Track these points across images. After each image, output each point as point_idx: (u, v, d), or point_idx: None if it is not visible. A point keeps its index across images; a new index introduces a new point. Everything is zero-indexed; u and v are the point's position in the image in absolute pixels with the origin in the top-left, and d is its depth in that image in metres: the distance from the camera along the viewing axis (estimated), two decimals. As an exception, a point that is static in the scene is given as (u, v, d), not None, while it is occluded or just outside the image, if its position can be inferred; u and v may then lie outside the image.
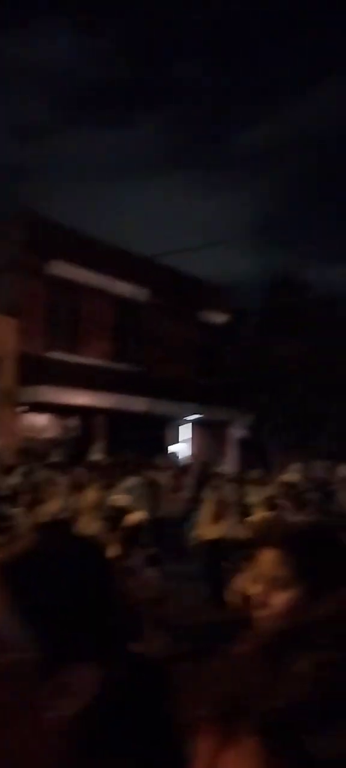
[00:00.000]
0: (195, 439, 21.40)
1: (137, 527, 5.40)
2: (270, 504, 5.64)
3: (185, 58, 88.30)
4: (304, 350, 19.66)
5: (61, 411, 17.80)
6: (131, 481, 10.82)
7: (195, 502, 13.14)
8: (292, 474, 6.01)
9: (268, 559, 1.62)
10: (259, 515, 5.78)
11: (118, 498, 6.59)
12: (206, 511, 9.70)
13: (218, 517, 9.09)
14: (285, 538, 1.68)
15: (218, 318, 22.43)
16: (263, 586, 1.62)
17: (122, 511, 5.54)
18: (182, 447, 21.05)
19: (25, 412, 17.13)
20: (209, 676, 0.70)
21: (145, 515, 5.90)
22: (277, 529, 1.79)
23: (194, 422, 21.26)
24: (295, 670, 0.62)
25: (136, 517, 5.56)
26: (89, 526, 7.02)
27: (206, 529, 9.51)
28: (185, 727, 0.86)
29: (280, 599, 1.60)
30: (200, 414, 20.66)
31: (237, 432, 21.39)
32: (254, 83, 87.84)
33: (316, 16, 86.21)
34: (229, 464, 18.70)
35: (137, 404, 18.54)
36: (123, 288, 19.63)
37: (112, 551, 4.94)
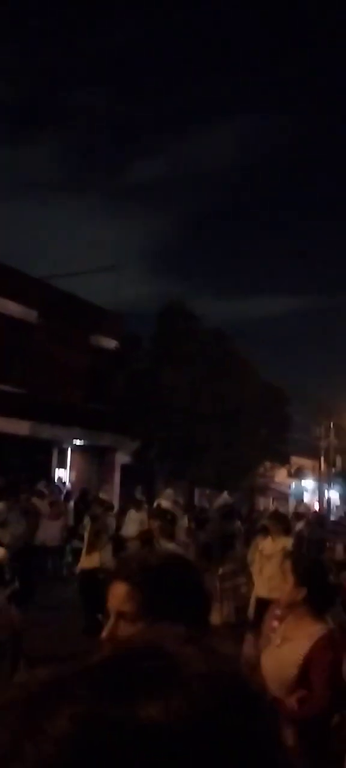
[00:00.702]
0: (80, 464, 21.17)
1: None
2: (144, 535, 5.71)
3: (87, 84, 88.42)
4: (192, 379, 20.13)
5: None
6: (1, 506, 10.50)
7: (74, 529, 12.99)
8: (164, 501, 6.13)
9: (117, 593, 1.62)
10: (132, 546, 5.83)
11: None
12: (85, 539, 9.62)
13: (94, 546, 9.05)
14: (131, 572, 1.68)
15: (109, 343, 22.45)
16: (113, 620, 1.62)
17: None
18: (67, 472, 20.74)
19: None
20: None
21: (4, 553, 5.73)
22: (126, 564, 1.79)
23: (80, 447, 21.04)
24: (49, 726, 0.51)
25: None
26: None
27: (83, 558, 9.43)
28: None
29: (127, 634, 1.55)
30: (86, 439, 20.49)
31: (123, 458, 21.42)
32: (156, 116, 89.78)
33: (219, 56, 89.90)
34: (112, 491, 18.68)
35: (21, 427, 18.06)
36: (11, 308, 19.12)
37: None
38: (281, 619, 4.00)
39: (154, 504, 6.53)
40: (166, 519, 5.34)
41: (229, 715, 0.60)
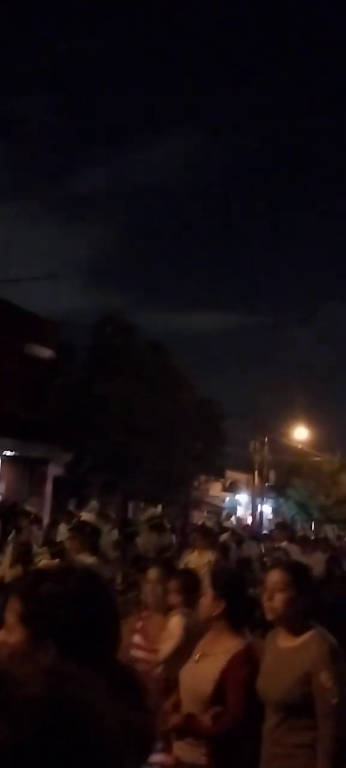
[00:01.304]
0: (10, 475, 20.59)
1: None
2: (56, 549, 5.53)
3: (29, 92, 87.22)
4: (126, 391, 20.01)
5: None
6: None
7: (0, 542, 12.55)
8: (86, 514, 6.00)
9: (11, 606, 1.72)
10: (43, 561, 5.64)
11: None
12: (10, 553, 9.29)
13: (17, 560, 8.73)
14: (15, 585, 1.82)
15: (44, 352, 22.02)
16: (5, 630, 1.71)
17: None
18: (-3, 483, 20.11)
19: None
20: None
21: None
22: (19, 577, 1.96)
23: (11, 458, 20.47)
24: None
25: None
26: None
27: (7, 572, 9.10)
28: None
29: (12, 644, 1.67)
30: (18, 450, 19.96)
31: (55, 470, 21.00)
32: (99, 127, 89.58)
33: (166, 71, 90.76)
34: (44, 503, 18.25)
35: None
36: None
37: None
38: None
39: (78, 517, 6.39)
40: (86, 532, 5.18)
41: (54, 737, 0.63)
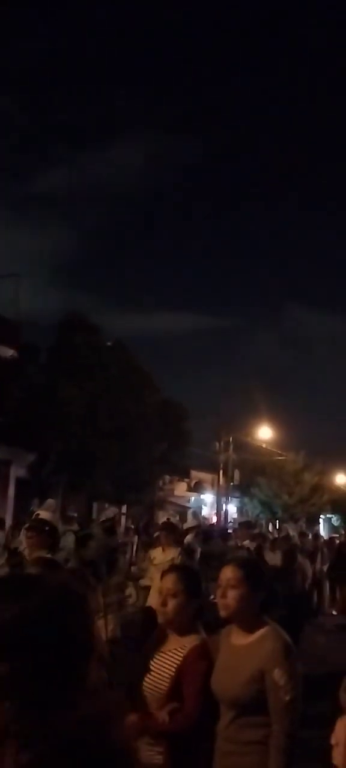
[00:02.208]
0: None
1: None
2: (10, 553, 5.42)
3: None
4: (90, 392, 19.86)
5: None
6: None
7: None
8: (43, 512, 5.88)
9: None
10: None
11: None
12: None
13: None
14: None
15: (6, 352, 21.69)
16: None
17: None
18: None
19: None
20: None
21: None
22: None
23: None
24: None
25: None
26: None
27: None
28: None
29: None
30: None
31: (18, 471, 20.72)
32: (62, 126, 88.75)
33: (128, 71, 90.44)
34: (6, 505, 17.96)
35: None
36: None
37: None
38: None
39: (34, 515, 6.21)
40: (45, 530, 5.09)
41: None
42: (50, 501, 8.95)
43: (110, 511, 9.77)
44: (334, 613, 15.28)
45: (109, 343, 22.53)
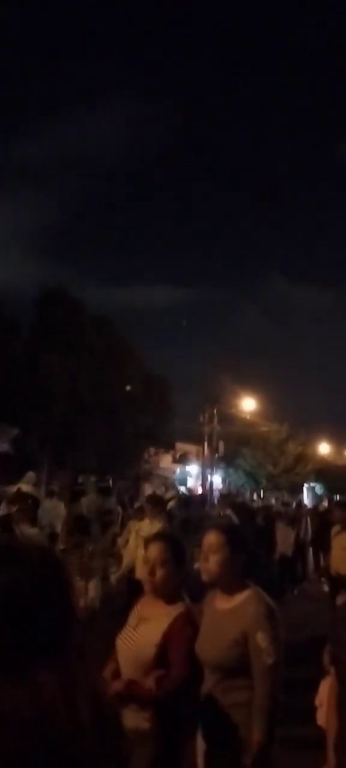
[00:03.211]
0: None
1: None
2: (2, 520, 5.39)
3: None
4: (73, 366, 19.74)
5: None
6: None
7: None
8: (25, 485, 5.84)
9: None
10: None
11: None
12: None
13: None
14: None
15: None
16: None
17: None
18: None
19: None
20: None
21: None
22: None
23: None
24: None
25: None
26: None
27: None
28: None
29: None
30: None
31: (1, 446, 20.60)
32: (42, 96, 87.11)
33: (110, 38, 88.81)
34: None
35: None
36: None
37: None
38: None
39: (17, 487, 6.19)
40: (27, 503, 5.06)
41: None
42: (30, 474, 8.92)
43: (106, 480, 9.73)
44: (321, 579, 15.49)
45: (90, 317, 22.34)
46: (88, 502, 7.48)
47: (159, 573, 3.08)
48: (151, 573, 3.11)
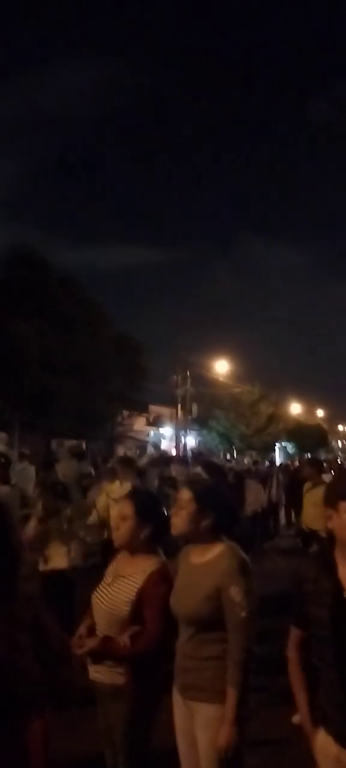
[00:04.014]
0: None
1: None
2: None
3: None
4: (42, 329, 19.45)
5: None
6: None
7: None
8: (-2, 444, 5.83)
9: None
10: None
11: None
12: None
13: None
14: None
15: None
16: None
17: None
18: None
19: None
20: None
21: None
22: None
23: None
24: None
25: None
26: None
27: None
28: None
29: None
30: None
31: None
32: (4, 53, 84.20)
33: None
34: None
35: None
36: None
37: None
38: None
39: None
40: (1, 462, 5.02)
41: None
42: (2, 434, 8.82)
43: (74, 442, 9.69)
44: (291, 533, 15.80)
45: (59, 278, 21.93)
46: (63, 468, 7.47)
47: (122, 527, 3.12)
48: (116, 528, 3.17)
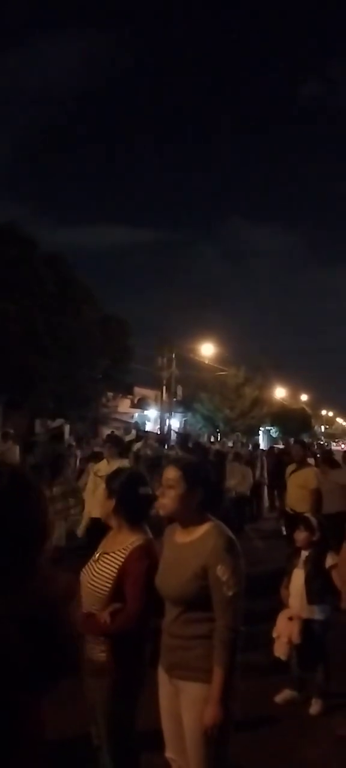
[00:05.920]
0: None
1: None
2: None
3: None
4: (27, 308, 19.25)
5: None
6: None
7: None
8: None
9: None
10: None
11: None
12: None
13: None
14: None
15: None
16: None
17: None
18: None
19: None
20: None
21: None
22: None
23: None
24: None
25: None
26: None
27: None
28: None
29: None
30: None
31: None
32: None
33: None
34: None
35: None
36: None
37: None
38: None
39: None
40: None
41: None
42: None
43: (57, 422, 9.67)
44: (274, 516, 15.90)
45: (44, 257, 21.68)
46: (42, 450, 7.47)
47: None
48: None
